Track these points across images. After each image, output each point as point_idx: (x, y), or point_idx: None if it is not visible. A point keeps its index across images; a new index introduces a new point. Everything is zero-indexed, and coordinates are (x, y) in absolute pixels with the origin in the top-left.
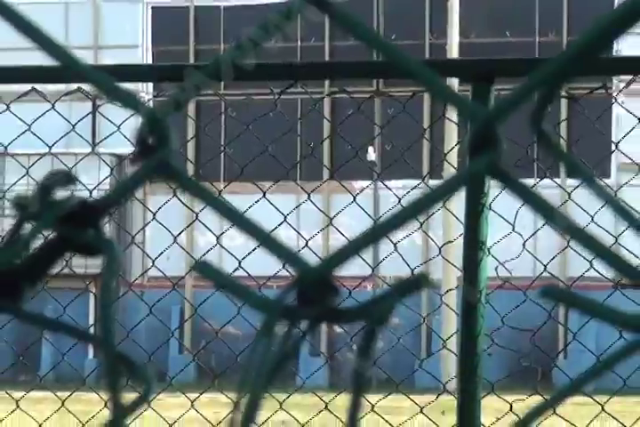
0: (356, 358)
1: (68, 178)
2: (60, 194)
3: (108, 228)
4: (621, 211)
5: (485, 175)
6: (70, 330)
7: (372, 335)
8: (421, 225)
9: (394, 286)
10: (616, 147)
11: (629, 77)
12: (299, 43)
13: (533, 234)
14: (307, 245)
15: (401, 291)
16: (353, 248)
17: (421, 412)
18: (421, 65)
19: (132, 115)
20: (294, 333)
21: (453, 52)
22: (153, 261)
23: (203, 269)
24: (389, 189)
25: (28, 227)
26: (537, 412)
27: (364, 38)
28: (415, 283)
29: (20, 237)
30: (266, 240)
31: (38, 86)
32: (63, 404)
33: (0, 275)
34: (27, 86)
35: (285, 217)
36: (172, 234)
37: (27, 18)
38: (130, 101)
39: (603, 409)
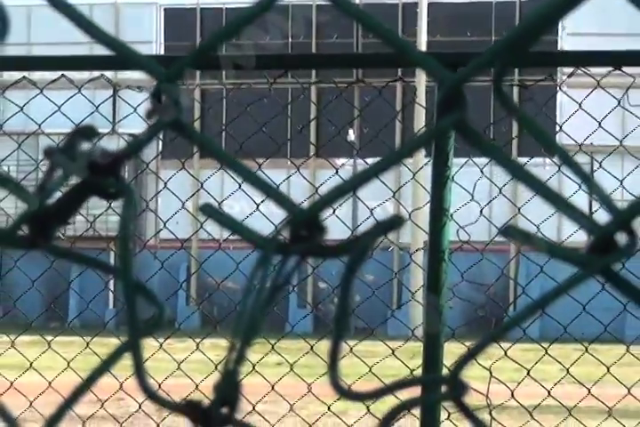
0: (339, 292)
1: (91, 132)
2: (85, 146)
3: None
4: (577, 173)
5: (453, 130)
6: (94, 263)
7: (353, 268)
8: (394, 194)
9: (372, 226)
10: (560, 129)
11: (572, 70)
12: (290, 39)
13: (488, 203)
14: None
15: (378, 230)
16: (335, 194)
17: (393, 354)
18: (406, 41)
19: (146, 98)
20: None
21: (422, 48)
22: (164, 224)
23: (208, 210)
24: (367, 164)
25: (57, 174)
26: (472, 354)
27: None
28: (390, 224)
29: (51, 183)
30: (264, 186)
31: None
32: (88, 346)
33: (34, 216)
34: (57, 74)
35: (277, 187)
36: (181, 200)
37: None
38: (150, 67)
39: (546, 352)
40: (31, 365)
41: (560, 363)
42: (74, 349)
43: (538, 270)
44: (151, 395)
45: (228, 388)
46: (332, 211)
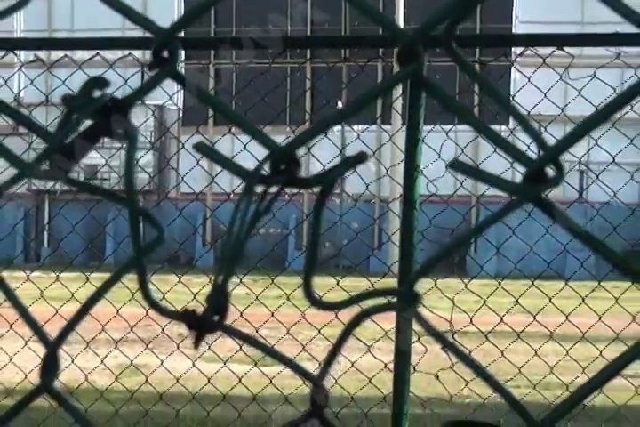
0: (312, 216)
1: (102, 82)
2: (97, 93)
3: (151, 155)
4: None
5: (410, 80)
6: (102, 192)
7: (323, 197)
8: (374, 154)
9: (341, 162)
10: (512, 99)
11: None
12: (289, 28)
13: (454, 156)
14: None
15: (346, 165)
16: (308, 134)
17: (372, 287)
18: (376, 8)
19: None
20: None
21: None
22: (182, 178)
23: (201, 147)
24: (353, 130)
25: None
26: (423, 269)
27: None
28: (356, 159)
29: (68, 125)
30: (247, 126)
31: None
32: (119, 280)
33: (55, 153)
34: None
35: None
36: (196, 159)
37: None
38: (150, 26)
39: (500, 286)
40: (72, 296)
41: (512, 295)
42: (105, 281)
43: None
44: (153, 305)
45: (218, 299)
46: (319, 164)
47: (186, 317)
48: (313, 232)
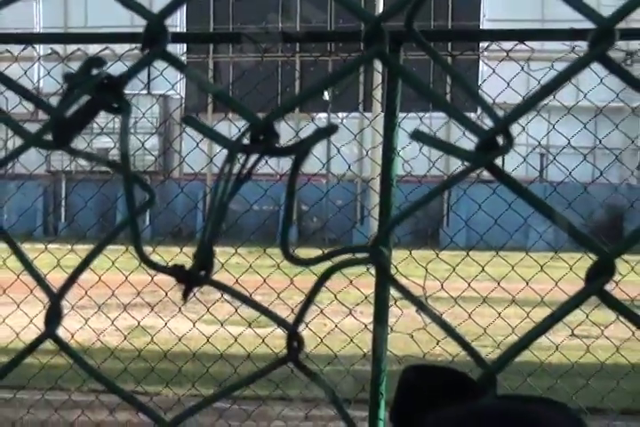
0: (287, 181)
1: (99, 62)
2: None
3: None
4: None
5: (375, 58)
6: (100, 159)
7: (297, 165)
8: (355, 137)
9: (313, 132)
10: (479, 88)
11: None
12: (279, 25)
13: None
14: None
15: (318, 135)
16: (284, 107)
17: (354, 257)
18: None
19: (167, 66)
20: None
21: None
22: (183, 159)
23: (189, 120)
24: (338, 117)
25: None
26: (389, 227)
27: None
28: (327, 130)
29: (69, 99)
30: (229, 100)
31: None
32: (127, 250)
33: (57, 124)
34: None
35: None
36: (195, 141)
37: None
38: (143, 11)
39: (468, 255)
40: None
41: (479, 264)
42: (118, 253)
43: (462, 194)
44: (146, 261)
45: (205, 256)
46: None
47: (175, 271)
48: (288, 195)
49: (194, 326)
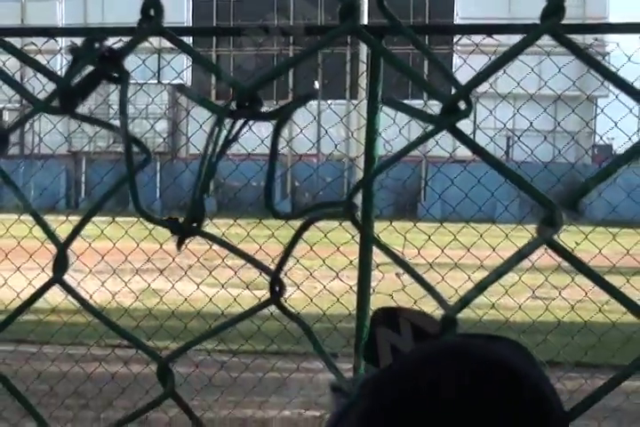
0: (270, 143)
1: (101, 37)
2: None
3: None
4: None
5: (350, 33)
6: (102, 123)
7: (279, 128)
8: (341, 120)
9: (294, 98)
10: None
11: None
12: (276, 21)
13: (407, 123)
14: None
15: (299, 101)
16: (266, 77)
17: (340, 225)
18: None
19: (173, 57)
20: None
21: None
22: (188, 139)
23: (183, 89)
24: (327, 103)
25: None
26: (356, 187)
27: None
28: (307, 96)
29: (74, 70)
30: (216, 71)
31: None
32: (139, 221)
33: (62, 92)
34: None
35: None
36: (199, 122)
37: None
38: None
39: (442, 226)
40: (102, 233)
41: (452, 234)
42: (131, 224)
43: (437, 171)
44: (142, 213)
45: (196, 211)
46: (299, 131)
47: (170, 224)
48: (271, 154)
49: (198, 288)
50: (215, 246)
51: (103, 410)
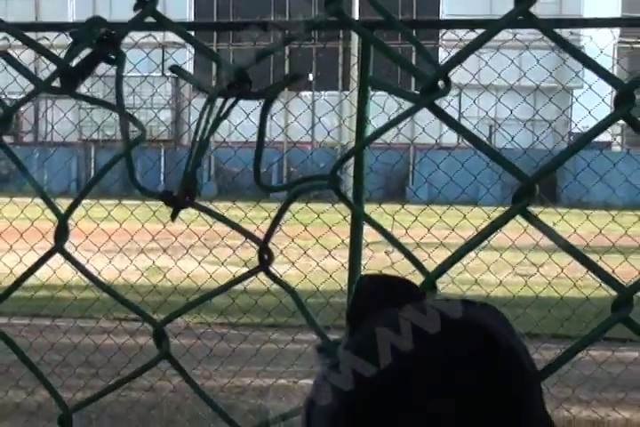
0: (259, 119)
1: (100, 21)
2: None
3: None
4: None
5: (334, 14)
6: (101, 102)
7: (266, 107)
8: (333, 108)
9: (282, 79)
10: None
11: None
12: (272, 17)
13: (395, 111)
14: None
15: (285, 81)
16: (255, 59)
17: (333, 206)
18: None
19: (175, 50)
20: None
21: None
22: (189, 127)
23: (176, 69)
24: (321, 94)
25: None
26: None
27: None
28: (293, 77)
29: (74, 51)
30: (211, 54)
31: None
32: (144, 203)
33: (64, 73)
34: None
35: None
36: (198, 110)
37: None
38: None
39: (428, 206)
40: (109, 215)
41: (438, 215)
42: (135, 206)
43: (424, 157)
44: (138, 187)
45: (189, 184)
46: (294, 119)
47: (164, 196)
48: (259, 131)
49: (199, 265)
50: (215, 227)
51: (112, 379)
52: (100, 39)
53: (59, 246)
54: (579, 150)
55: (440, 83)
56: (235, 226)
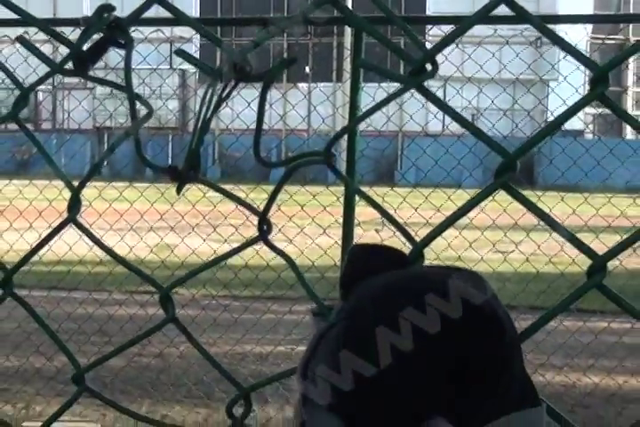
0: (258, 102)
1: (110, 8)
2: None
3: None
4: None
5: (328, 15)
6: (109, 83)
7: (265, 89)
8: (328, 98)
9: (277, 61)
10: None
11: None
12: (271, 14)
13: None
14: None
15: (281, 64)
16: (253, 45)
17: (328, 189)
18: None
19: (182, 43)
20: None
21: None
22: (195, 115)
23: (181, 53)
24: (317, 85)
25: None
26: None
27: None
28: (289, 60)
29: (85, 36)
30: (215, 39)
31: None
32: (153, 185)
33: (76, 56)
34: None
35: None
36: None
37: None
38: None
39: (415, 188)
40: (120, 195)
41: (424, 196)
42: (145, 188)
43: (412, 143)
44: (145, 161)
45: (193, 159)
46: (291, 108)
47: (170, 171)
48: (259, 110)
49: (204, 242)
50: (219, 207)
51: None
52: (110, 25)
53: (72, 217)
54: (560, 126)
55: (428, 66)
56: (236, 199)
